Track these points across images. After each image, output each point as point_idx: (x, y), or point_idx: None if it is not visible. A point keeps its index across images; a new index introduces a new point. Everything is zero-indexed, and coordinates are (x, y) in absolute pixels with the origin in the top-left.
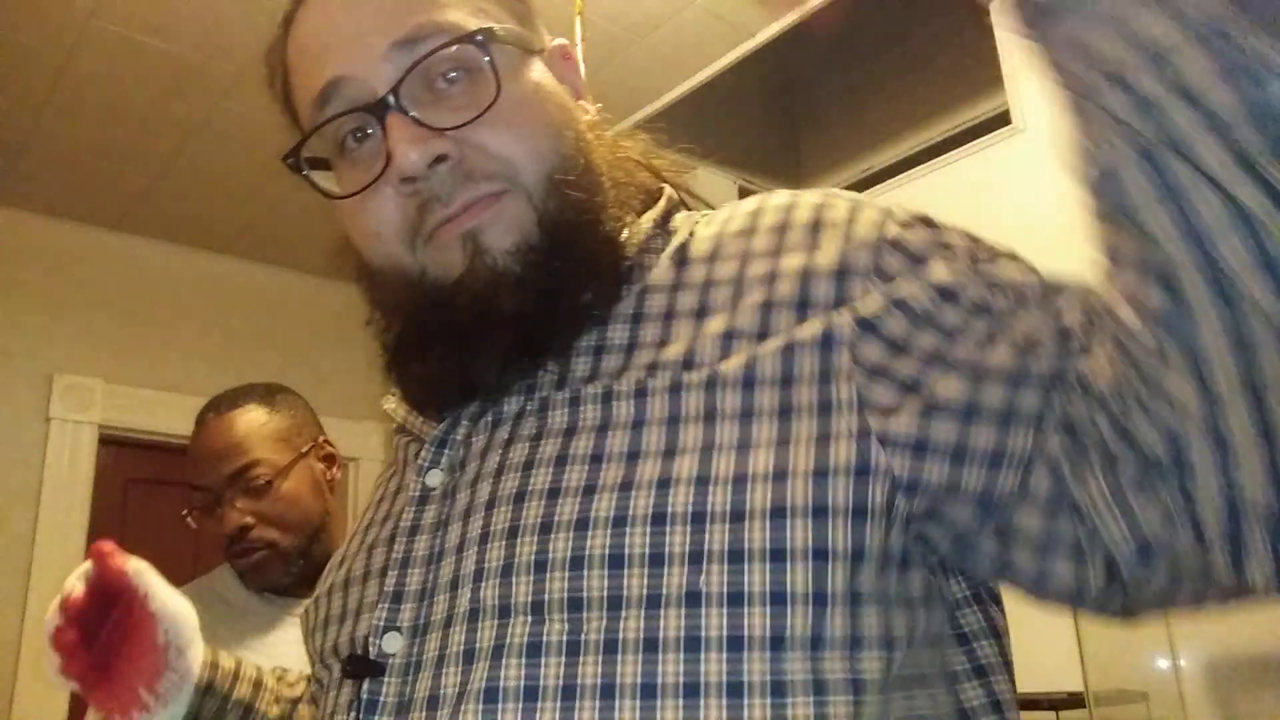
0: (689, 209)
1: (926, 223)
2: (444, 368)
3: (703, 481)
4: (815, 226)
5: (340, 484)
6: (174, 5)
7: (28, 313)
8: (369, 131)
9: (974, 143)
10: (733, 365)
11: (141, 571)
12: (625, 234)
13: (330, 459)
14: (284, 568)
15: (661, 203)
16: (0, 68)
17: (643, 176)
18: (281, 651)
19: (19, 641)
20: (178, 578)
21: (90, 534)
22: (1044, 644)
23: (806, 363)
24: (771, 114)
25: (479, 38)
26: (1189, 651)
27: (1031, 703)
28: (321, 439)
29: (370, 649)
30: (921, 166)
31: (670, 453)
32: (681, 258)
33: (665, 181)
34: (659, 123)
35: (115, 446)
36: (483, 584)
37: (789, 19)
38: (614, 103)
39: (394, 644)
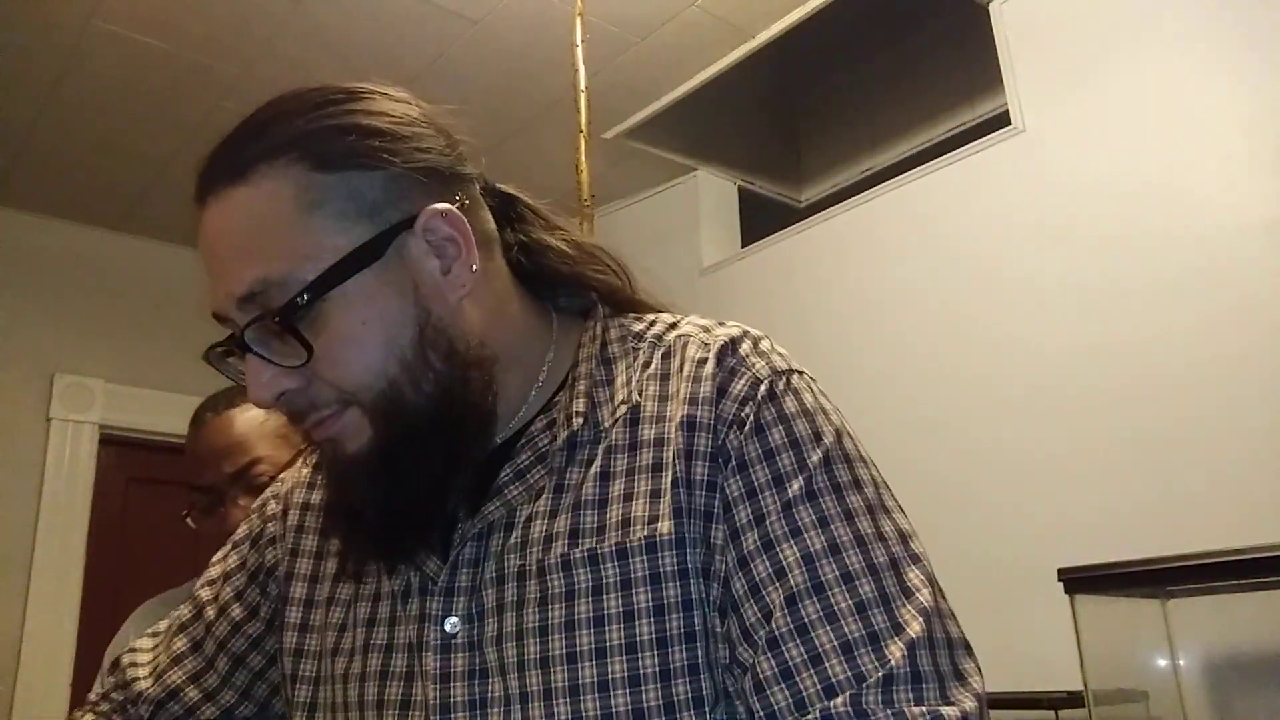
0: (620, 301)
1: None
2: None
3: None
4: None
5: None
6: (174, 5)
7: (28, 313)
8: None
9: (974, 143)
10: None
11: None
12: (507, 398)
13: None
14: None
15: (587, 336)
16: (0, 68)
17: (535, 325)
18: None
19: (19, 641)
20: (177, 577)
21: (90, 534)
22: (1044, 643)
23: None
24: (771, 114)
25: (276, 318)
26: (1189, 651)
27: (1031, 702)
28: None
29: None
30: (921, 167)
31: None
32: (635, 417)
33: (589, 284)
34: (659, 123)
35: (115, 446)
36: None
37: (789, 19)
38: (614, 103)
39: None
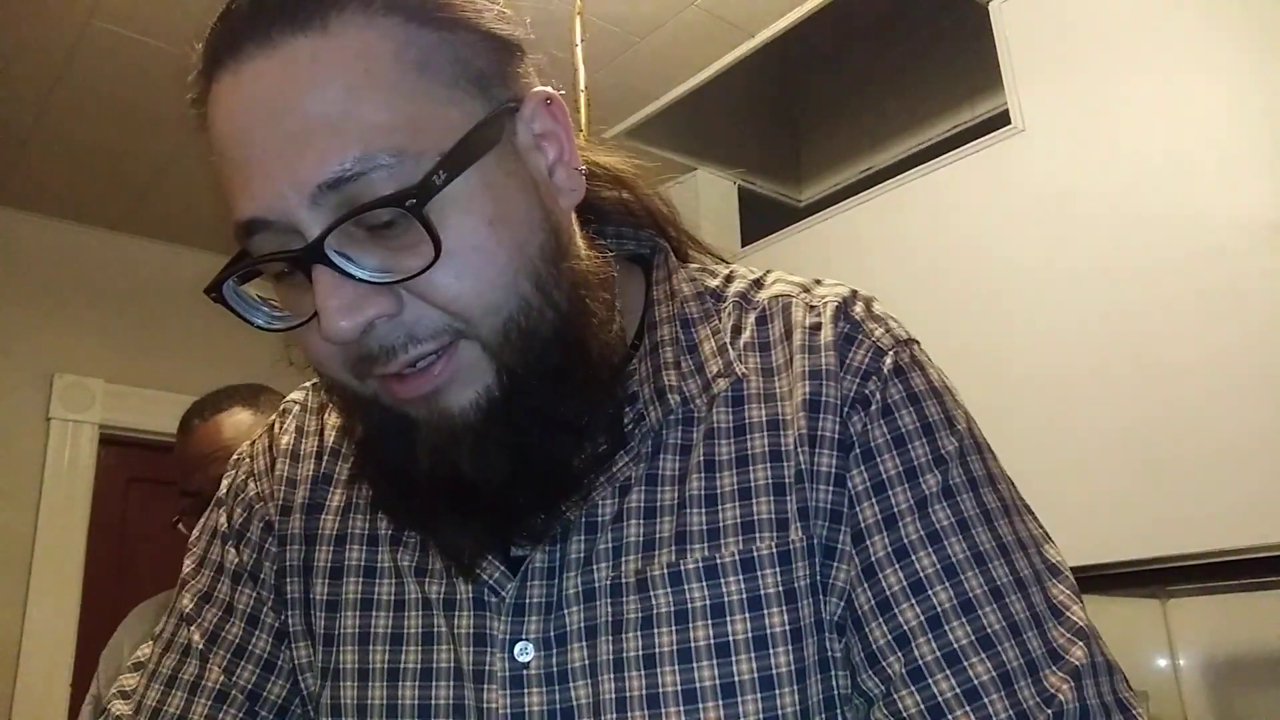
0: (677, 246)
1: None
2: (415, 526)
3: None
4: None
5: None
6: (174, 5)
7: (28, 313)
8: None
9: (974, 143)
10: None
11: None
12: (615, 335)
13: None
14: None
15: (660, 291)
16: (0, 68)
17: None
18: None
19: (19, 641)
20: (175, 578)
21: (90, 534)
22: None
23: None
24: (771, 114)
25: (410, 201)
26: (1189, 651)
27: None
28: None
29: None
30: (921, 166)
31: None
32: (738, 394)
33: (646, 211)
34: (659, 123)
35: (115, 446)
36: None
37: (789, 19)
38: (614, 103)
39: None
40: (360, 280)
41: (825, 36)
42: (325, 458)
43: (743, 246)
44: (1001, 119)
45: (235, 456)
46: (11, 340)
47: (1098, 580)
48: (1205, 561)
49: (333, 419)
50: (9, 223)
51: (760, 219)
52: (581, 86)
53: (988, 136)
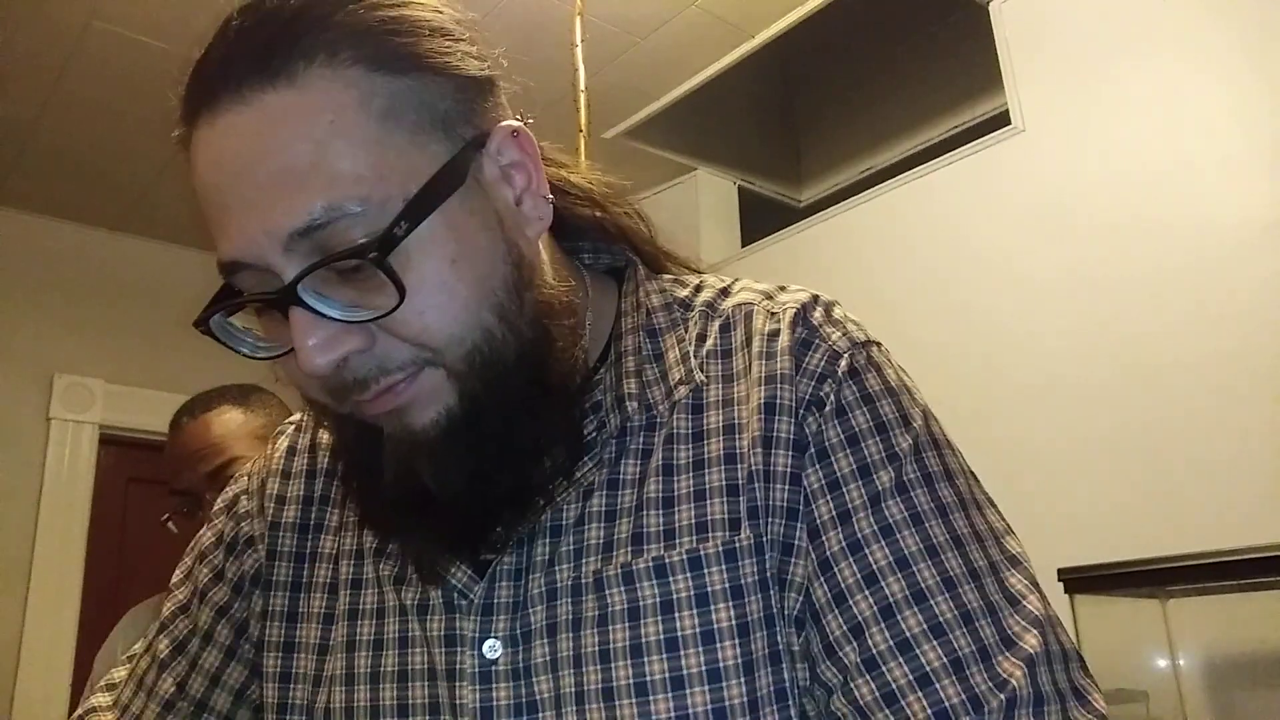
0: (651, 258)
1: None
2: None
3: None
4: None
5: None
6: (174, 5)
7: (28, 313)
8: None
9: (974, 143)
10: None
11: None
12: (583, 359)
13: None
14: None
15: (628, 302)
16: (0, 68)
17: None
18: None
19: (19, 641)
20: None
21: (90, 534)
22: None
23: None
24: (771, 114)
25: (373, 253)
26: (1188, 651)
27: None
28: None
29: None
30: (921, 166)
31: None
32: (698, 401)
33: (620, 232)
34: (659, 123)
35: (115, 446)
36: None
37: (789, 19)
38: (614, 103)
39: None
40: (333, 319)
41: (825, 37)
42: (320, 477)
43: (743, 246)
44: (1001, 119)
45: (238, 473)
46: (11, 340)
47: (1098, 580)
48: (1205, 561)
49: (326, 438)
50: (9, 223)
51: (760, 219)
52: (581, 87)
53: (988, 137)
